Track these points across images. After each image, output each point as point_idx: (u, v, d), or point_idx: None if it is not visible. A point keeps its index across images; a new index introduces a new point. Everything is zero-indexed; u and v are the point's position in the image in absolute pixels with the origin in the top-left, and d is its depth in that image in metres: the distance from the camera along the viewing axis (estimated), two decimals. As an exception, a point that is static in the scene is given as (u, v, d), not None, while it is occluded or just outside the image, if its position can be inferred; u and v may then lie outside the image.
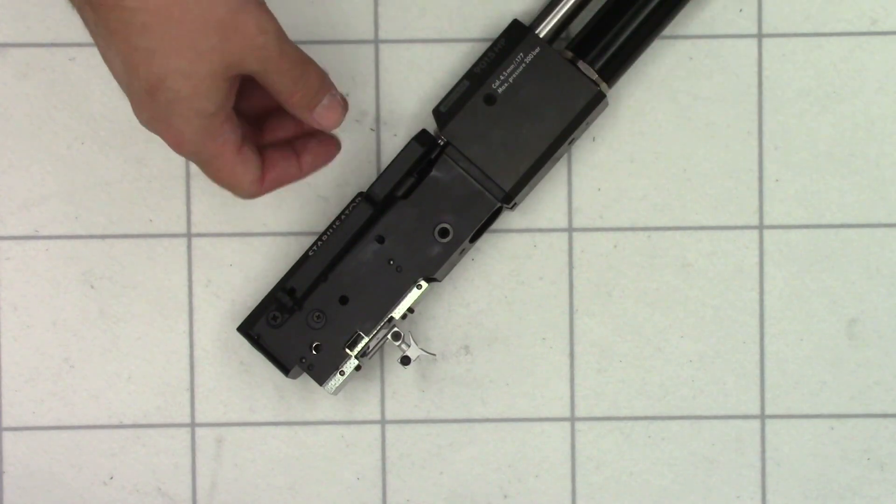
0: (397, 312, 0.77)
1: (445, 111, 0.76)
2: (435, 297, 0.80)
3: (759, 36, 0.80)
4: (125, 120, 0.80)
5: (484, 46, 0.79)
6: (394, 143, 0.79)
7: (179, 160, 0.80)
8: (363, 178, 0.80)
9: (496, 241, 0.80)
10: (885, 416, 0.80)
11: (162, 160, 0.80)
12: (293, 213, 0.80)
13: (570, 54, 0.77)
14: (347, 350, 0.76)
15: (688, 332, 0.80)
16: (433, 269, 0.77)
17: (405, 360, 0.77)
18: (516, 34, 0.76)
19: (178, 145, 0.67)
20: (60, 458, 0.80)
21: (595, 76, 0.76)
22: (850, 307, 0.80)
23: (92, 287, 0.80)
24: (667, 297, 0.80)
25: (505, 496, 0.80)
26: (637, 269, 0.80)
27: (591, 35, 0.77)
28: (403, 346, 0.77)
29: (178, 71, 0.64)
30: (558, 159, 0.78)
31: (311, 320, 0.76)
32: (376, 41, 0.80)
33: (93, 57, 0.79)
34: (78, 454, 0.80)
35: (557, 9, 0.77)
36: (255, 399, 0.80)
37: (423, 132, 0.77)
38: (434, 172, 0.76)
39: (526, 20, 0.77)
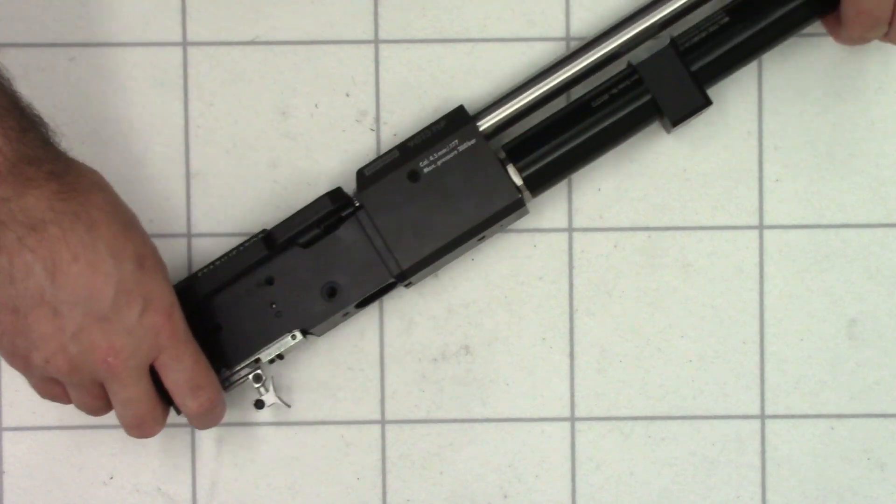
0: (265, 356, 0.76)
1: (369, 175, 0.76)
2: (435, 297, 0.80)
3: (759, 36, 0.80)
4: (125, 120, 0.80)
5: (484, 46, 0.79)
6: (394, 143, 0.79)
7: (179, 160, 0.80)
8: (363, 178, 0.80)
9: (496, 241, 0.80)
10: (885, 416, 0.80)
11: (162, 160, 0.80)
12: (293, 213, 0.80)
13: (503, 154, 0.76)
14: None
15: (688, 332, 0.80)
16: (312, 324, 0.76)
17: (259, 404, 0.77)
18: (458, 120, 0.76)
19: (169, 314, 0.71)
20: (60, 458, 0.80)
21: (520, 183, 0.76)
22: (850, 307, 0.80)
23: (92, 287, 0.80)
24: (667, 297, 0.80)
25: (505, 496, 0.80)
26: (637, 269, 0.80)
27: (528, 142, 0.76)
28: (262, 389, 0.76)
29: (146, 241, 0.72)
30: (464, 252, 0.78)
31: None
32: (376, 41, 0.80)
33: (93, 57, 0.79)
34: (78, 454, 0.80)
35: (505, 107, 0.76)
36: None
37: (338, 190, 0.76)
38: (340, 231, 0.76)
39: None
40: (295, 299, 0.76)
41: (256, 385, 0.76)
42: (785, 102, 0.80)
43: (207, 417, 0.74)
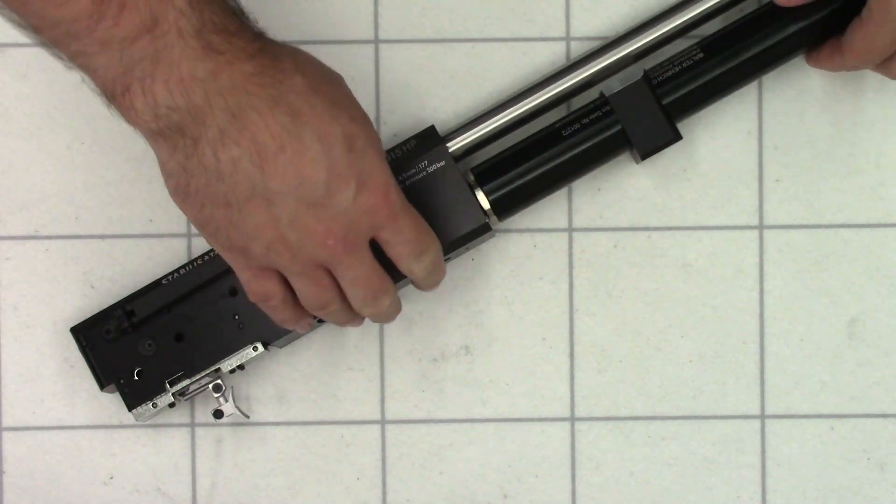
0: (226, 366, 0.76)
1: None
2: (435, 297, 0.80)
3: (759, 36, 0.80)
4: (125, 120, 0.80)
5: (484, 46, 0.79)
6: (394, 143, 0.79)
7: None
8: (363, 178, 0.80)
9: (496, 242, 0.80)
10: (885, 416, 0.80)
11: (162, 160, 0.80)
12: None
13: (472, 177, 0.76)
14: (168, 384, 0.76)
15: (688, 332, 0.80)
16: (273, 337, 0.76)
17: (218, 414, 0.77)
18: (429, 140, 0.76)
19: (385, 192, 0.68)
20: (60, 458, 0.80)
21: (487, 207, 0.76)
22: (850, 307, 0.80)
23: (92, 287, 0.80)
24: (667, 297, 0.80)
25: (505, 496, 0.80)
26: (637, 269, 0.80)
27: (498, 166, 0.76)
28: (221, 399, 0.76)
29: (355, 117, 0.68)
30: None
31: (142, 346, 0.76)
32: (376, 41, 0.80)
33: (93, 57, 0.79)
34: (78, 454, 0.80)
35: (476, 130, 0.77)
36: (255, 399, 0.80)
37: None
38: None
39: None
40: (258, 312, 0.75)
41: (216, 395, 0.76)
42: (785, 102, 0.80)
43: (433, 277, 0.72)
